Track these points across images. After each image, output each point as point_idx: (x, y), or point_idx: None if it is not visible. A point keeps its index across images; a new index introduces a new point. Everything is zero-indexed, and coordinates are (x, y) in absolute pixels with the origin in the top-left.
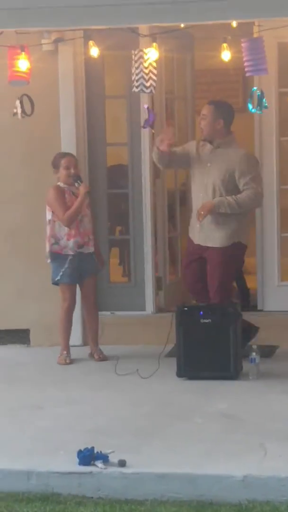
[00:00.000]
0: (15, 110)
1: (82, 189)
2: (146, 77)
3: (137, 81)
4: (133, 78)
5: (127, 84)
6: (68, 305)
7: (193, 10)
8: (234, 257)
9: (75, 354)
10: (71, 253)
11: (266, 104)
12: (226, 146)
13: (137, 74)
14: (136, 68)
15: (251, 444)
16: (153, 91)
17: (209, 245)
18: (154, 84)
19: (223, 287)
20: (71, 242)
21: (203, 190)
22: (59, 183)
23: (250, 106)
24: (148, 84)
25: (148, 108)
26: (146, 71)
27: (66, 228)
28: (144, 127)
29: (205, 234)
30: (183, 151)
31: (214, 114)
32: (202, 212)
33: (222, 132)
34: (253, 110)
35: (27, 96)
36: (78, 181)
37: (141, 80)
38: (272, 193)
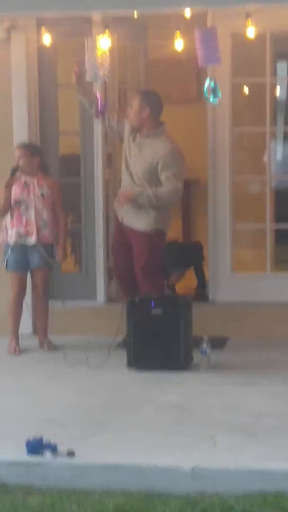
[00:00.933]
0: None
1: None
2: (99, 65)
3: (90, 69)
4: (86, 66)
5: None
6: (16, 294)
7: None
8: (158, 245)
9: (25, 343)
10: (11, 242)
11: (220, 94)
12: (153, 137)
13: (89, 63)
14: (90, 57)
15: (201, 436)
16: (106, 79)
17: (135, 227)
18: (106, 72)
19: (147, 272)
20: (13, 231)
21: (128, 176)
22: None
23: (206, 95)
24: (101, 73)
25: (97, 93)
26: (99, 60)
27: (9, 216)
28: (96, 117)
29: (131, 216)
30: (120, 125)
31: (141, 103)
32: (121, 199)
33: (149, 122)
34: (211, 101)
35: None
36: (11, 173)
37: (94, 69)
38: (225, 184)
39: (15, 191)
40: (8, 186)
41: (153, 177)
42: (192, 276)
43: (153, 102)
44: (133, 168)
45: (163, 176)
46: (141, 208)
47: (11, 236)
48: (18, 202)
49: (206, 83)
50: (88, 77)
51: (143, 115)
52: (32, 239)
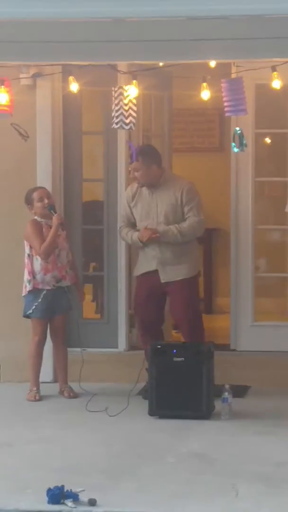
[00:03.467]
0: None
1: (55, 220)
2: (126, 114)
3: (116, 117)
4: (112, 114)
5: (104, 120)
6: (39, 340)
7: (172, 49)
8: (197, 288)
9: (45, 391)
10: (47, 287)
11: (245, 144)
12: (164, 183)
13: (116, 111)
14: (116, 105)
15: (223, 485)
16: (133, 128)
17: (174, 278)
18: (133, 120)
19: (193, 319)
20: (48, 277)
21: (149, 221)
22: (35, 217)
23: (233, 145)
24: (127, 121)
25: (130, 144)
26: (126, 107)
27: (42, 263)
28: (132, 162)
29: (168, 268)
30: (129, 216)
31: (145, 164)
32: (144, 234)
33: (157, 175)
34: (236, 150)
35: (15, 124)
36: (52, 210)
37: (121, 117)
38: (247, 232)
39: (51, 232)
40: (61, 224)
41: (176, 215)
42: None
43: (154, 156)
44: (156, 212)
45: (186, 208)
46: (178, 257)
47: (45, 281)
48: (56, 245)
49: (234, 133)
50: (114, 125)
51: (151, 173)
52: (66, 282)
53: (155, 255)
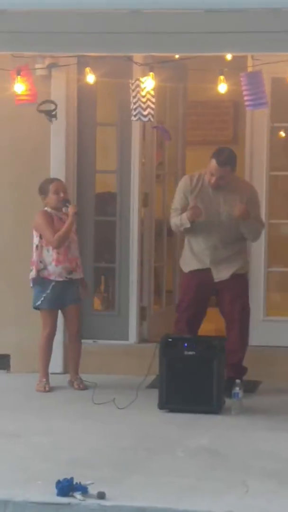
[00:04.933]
0: (48, 118)
1: (70, 209)
2: (144, 106)
3: (135, 109)
4: (131, 107)
5: (119, 111)
6: (49, 332)
7: (189, 41)
8: (247, 286)
9: (55, 382)
10: (59, 279)
11: None
12: (228, 183)
13: (134, 103)
14: (134, 97)
15: (233, 481)
16: (152, 119)
17: (226, 277)
18: (152, 112)
19: (244, 317)
20: (59, 268)
21: (216, 225)
22: (46, 208)
23: None
24: (146, 113)
25: (156, 126)
26: (144, 99)
27: (54, 254)
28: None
29: (224, 266)
30: (184, 209)
31: (232, 172)
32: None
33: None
34: None
35: (39, 103)
36: (67, 205)
37: (139, 109)
38: None
39: (59, 227)
40: (76, 214)
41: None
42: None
43: (234, 162)
44: (218, 210)
45: (253, 213)
46: (230, 256)
47: (57, 273)
48: (69, 236)
49: None
50: (133, 118)
51: (229, 178)
52: (77, 274)
53: (208, 254)
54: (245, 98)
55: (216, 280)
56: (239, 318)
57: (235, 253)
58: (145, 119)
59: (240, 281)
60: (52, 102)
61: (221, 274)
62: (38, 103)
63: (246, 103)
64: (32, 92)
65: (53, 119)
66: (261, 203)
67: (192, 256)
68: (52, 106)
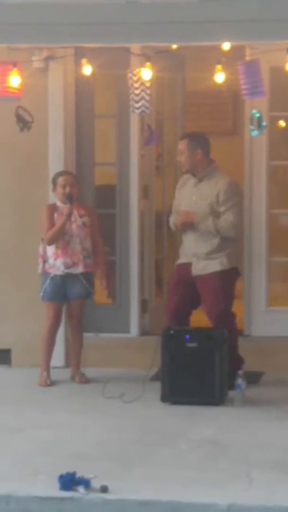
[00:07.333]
0: (21, 125)
1: (65, 210)
2: (137, 98)
3: (136, 102)
4: (130, 97)
5: (117, 103)
6: (51, 324)
7: (185, 31)
8: (231, 283)
9: (57, 376)
10: (57, 273)
11: (265, 124)
12: (209, 178)
13: (136, 95)
14: (136, 89)
15: (237, 472)
16: (146, 111)
17: (203, 273)
18: (146, 104)
19: (223, 315)
20: (58, 262)
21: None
22: (56, 202)
23: (251, 129)
24: (138, 105)
25: (149, 126)
26: (137, 91)
27: (53, 248)
28: (145, 145)
29: (202, 262)
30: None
31: (191, 146)
32: (179, 218)
33: (203, 163)
34: (254, 133)
35: (21, 107)
36: (68, 201)
37: (132, 102)
38: (261, 216)
39: (58, 221)
40: (69, 215)
41: (213, 214)
42: None
43: (202, 142)
44: (194, 206)
45: (222, 209)
46: (211, 252)
47: (55, 266)
48: (63, 233)
49: (251, 116)
50: (135, 110)
51: (196, 158)
52: (78, 269)
53: (192, 249)
54: (242, 87)
55: (194, 274)
56: (215, 314)
57: (217, 248)
58: (138, 111)
59: (215, 279)
60: (31, 115)
61: (198, 268)
62: (20, 100)
63: (243, 91)
64: (22, 87)
65: (25, 129)
66: (261, 193)
67: (181, 250)
68: (30, 119)
